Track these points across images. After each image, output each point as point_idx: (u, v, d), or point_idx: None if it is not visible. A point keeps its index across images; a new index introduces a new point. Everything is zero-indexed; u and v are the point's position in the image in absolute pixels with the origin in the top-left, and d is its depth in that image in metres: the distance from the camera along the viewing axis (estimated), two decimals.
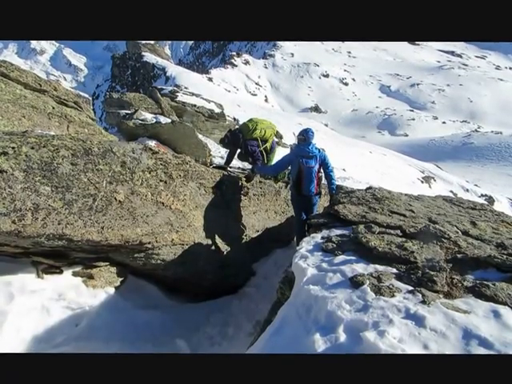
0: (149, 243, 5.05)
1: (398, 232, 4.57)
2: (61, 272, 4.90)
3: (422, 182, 28.62)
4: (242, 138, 7.35)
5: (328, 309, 3.08)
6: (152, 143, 11.06)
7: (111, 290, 5.30)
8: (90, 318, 4.83)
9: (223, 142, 7.57)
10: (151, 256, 5.30)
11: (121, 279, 5.48)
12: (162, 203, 5.27)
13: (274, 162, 8.35)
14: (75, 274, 5.03)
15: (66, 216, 4.21)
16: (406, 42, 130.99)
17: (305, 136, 6.61)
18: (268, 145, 7.82)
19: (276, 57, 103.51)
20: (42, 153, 4.31)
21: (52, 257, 4.75)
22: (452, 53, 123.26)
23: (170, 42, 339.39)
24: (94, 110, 11.68)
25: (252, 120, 7.66)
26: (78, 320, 4.76)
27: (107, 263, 5.32)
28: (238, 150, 7.89)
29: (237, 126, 8.46)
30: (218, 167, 7.65)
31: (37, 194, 4.05)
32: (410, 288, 3.31)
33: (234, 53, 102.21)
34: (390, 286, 3.33)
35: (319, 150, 6.68)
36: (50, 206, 4.10)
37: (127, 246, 4.84)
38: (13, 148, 4.14)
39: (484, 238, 4.54)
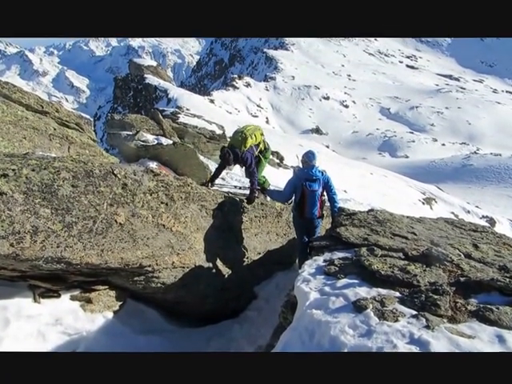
0: (149, 266, 4.99)
1: (401, 255, 4.56)
2: (58, 296, 4.82)
3: (424, 203, 28.64)
4: (239, 153, 7.15)
5: (331, 334, 3.04)
6: (153, 164, 11.09)
7: (109, 315, 5.21)
8: (88, 343, 4.73)
9: (228, 160, 7.15)
10: (151, 279, 5.24)
11: (119, 303, 5.40)
12: (163, 225, 5.23)
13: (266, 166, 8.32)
14: (73, 298, 4.95)
15: (66, 239, 4.17)
16: (404, 66, 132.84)
17: (305, 159, 6.64)
18: (262, 146, 7.75)
19: (277, 79, 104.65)
20: (42, 175, 4.29)
21: (50, 280, 4.68)
22: (450, 76, 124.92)
23: (172, 64, 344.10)
24: (95, 131, 11.74)
25: (237, 132, 7.43)
26: (74, 346, 4.65)
27: (106, 287, 5.24)
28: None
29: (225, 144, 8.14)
30: (202, 184, 7.38)
31: (36, 216, 4.02)
32: (414, 312, 3.28)
33: (236, 75, 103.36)
34: (394, 311, 3.31)
35: (322, 172, 6.67)
36: (49, 228, 4.07)
37: (127, 269, 4.78)
38: (13, 170, 4.12)
39: (486, 261, 4.51)
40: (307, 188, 6.45)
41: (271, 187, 8.46)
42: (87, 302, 5.02)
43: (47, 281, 4.66)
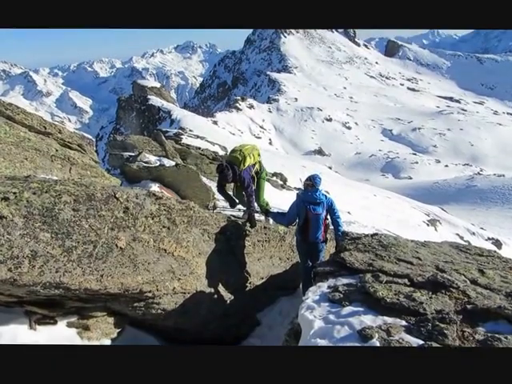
0: (149, 292, 4.90)
1: (406, 281, 4.50)
2: (55, 322, 4.71)
3: (428, 224, 28.48)
4: (237, 171, 7.00)
5: None
6: (155, 186, 11.08)
7: (107, 343, 5.06)
8: None
9: (226, 176, 6.96)
10: (151, 305, 5.14)
11: (118, 330, 5.27)
12: (165, 250, 5.16)
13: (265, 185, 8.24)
14: (70, 325, 4.82)
15: (65, 263, 4.10)
16: (405, 88, 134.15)
17: (312, 182, 6.55)
18: (257, 166, 7.64)
19: (280, 101, 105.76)
20: (43, 198, 4.25)
21: (47, 306, 4.59)
22: (450, 98, 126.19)
23: (175, 86, 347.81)
24: (97, 151, 11.82)
25: (235, 151, 7.31)
26: None
27: (104, 313, 5.12)
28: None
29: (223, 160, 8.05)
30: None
31: (36, 240, 3.96)
32: (421, 342, 3.23)
33: (239, 97, 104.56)
34: (400, 340, 3.26)
35: (326, 195, 6.64)
36: (48, 253, 4.00)
37: (127, 294, 4.69)
38: (14, 193, 4.09)
39: (493, 288, 4.45)
40: (311, 211, 6.40)
41: (274, 209, 8.40)
42: (84, 329, 4.89)
43: (44, 307, 4.57)
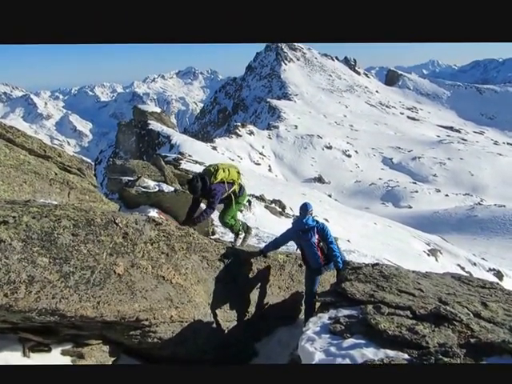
0: (146, 320, 4.81)
1: (408, 313, 4.50)
2: (49, 350, 4.61)
3: (429, 254, 28.26)
4: (208, 182, 6.60)
5: None
6: (154, 212, 11.02)
7: None
8: None
9: (195, 187, 6.58)
10: (148, 334, 5.04)
11: (113, 359, 5.16)
12: (163, 277, 5.09)
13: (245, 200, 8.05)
14: (64, 353, 4.73)
15: (62, 289, 4.04)
16: (405, 117, 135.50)
17: (301, 210, 6.75)
18: (236, 187, 7.13)
19: (280, 128, 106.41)
20: (43, 223, 4.22)
21: (41, 333, 4.50)
22: (451, 128, 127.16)
23: (176, 111, 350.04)
24: (95, 175, 11.74)
25: (210, 165, 7.03)
26: None
27: (100, 341, 5.03)
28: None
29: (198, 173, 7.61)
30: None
31: (33, 265, 3.91)
32: None
33: (239, 123, 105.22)
34: None
35: (317, 221, 6.71)
36: (45, 278, 3.95)
37: (123, 322, 4.61)
38: (13, 217, 4.07)
39: (496, 321, 4.44)
40: (302, 239, 6.54)
41: (271, 236, 8.33)
42: (79, 358, 4.79)
43: (39, 334, 4.48)
